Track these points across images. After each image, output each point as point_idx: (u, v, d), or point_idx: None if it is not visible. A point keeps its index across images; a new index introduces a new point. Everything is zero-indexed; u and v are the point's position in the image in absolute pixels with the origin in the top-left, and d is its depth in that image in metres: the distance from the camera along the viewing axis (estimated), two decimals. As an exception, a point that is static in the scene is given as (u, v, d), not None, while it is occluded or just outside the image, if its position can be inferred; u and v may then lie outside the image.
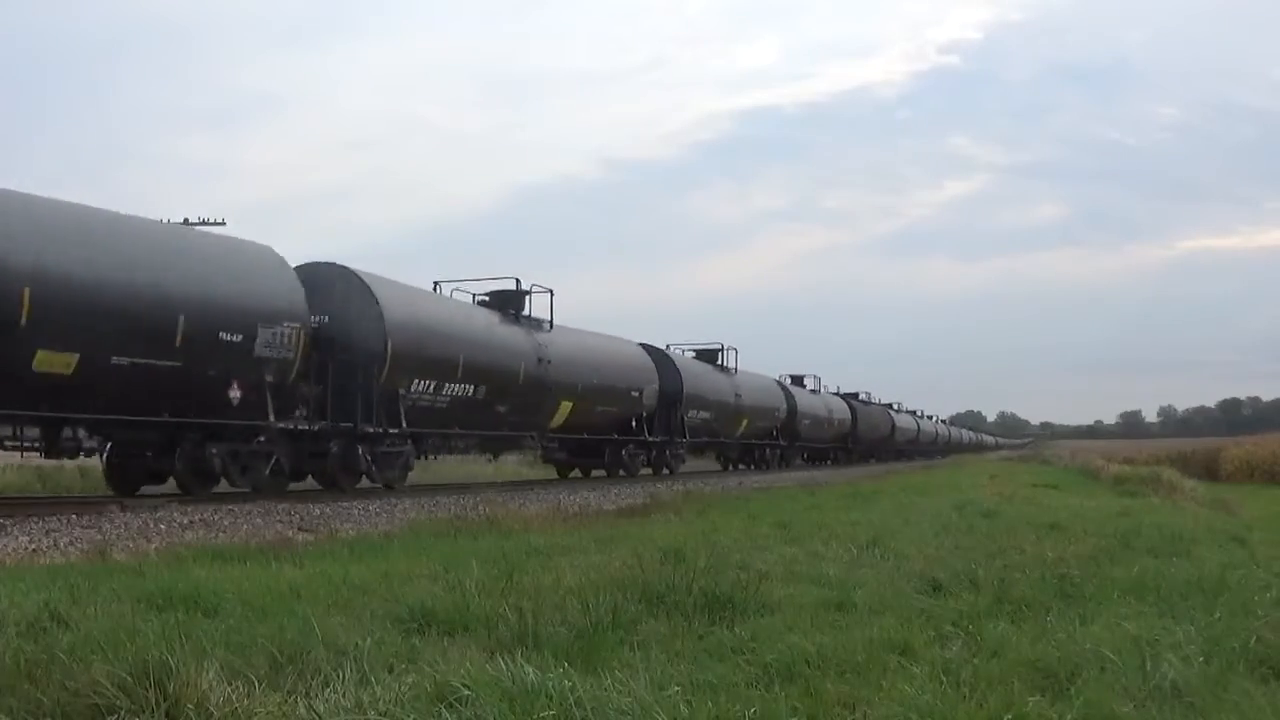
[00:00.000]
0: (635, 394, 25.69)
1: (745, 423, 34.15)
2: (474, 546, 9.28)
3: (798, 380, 44.26)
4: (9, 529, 9.99)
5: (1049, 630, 5.72)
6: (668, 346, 30.70)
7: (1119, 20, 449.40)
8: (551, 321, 22.78)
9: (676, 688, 4.18)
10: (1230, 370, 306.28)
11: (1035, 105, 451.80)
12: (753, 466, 37.40)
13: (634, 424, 26.19)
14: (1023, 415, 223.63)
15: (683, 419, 28.69)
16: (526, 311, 22.04)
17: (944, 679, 4.54)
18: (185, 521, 11.49)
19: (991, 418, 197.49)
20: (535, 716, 3.77)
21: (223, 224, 15.99)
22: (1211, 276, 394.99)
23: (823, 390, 47.40)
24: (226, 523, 11.77)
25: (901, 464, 53.63)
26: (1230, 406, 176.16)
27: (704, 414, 30.48)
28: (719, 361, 33.93)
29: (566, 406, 22.31)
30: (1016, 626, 5.82)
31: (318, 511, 13.35)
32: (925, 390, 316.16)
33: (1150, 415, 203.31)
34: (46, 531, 10.13)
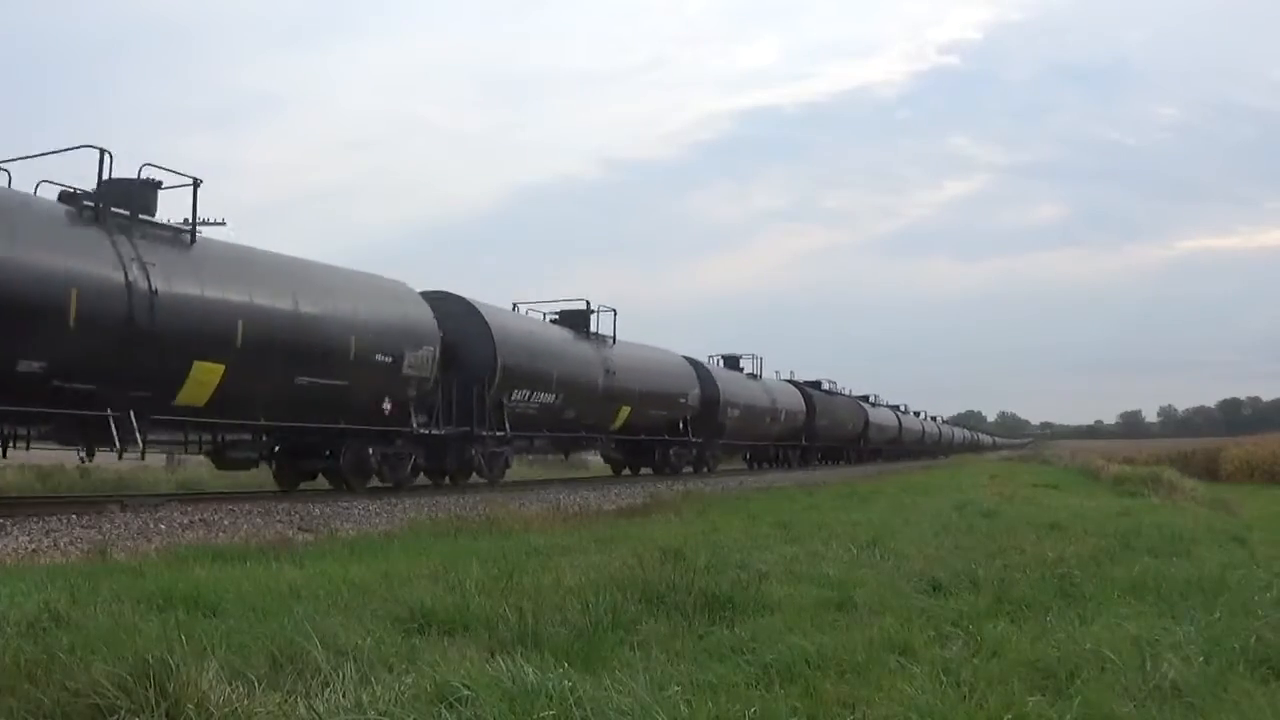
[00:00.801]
0: (387, 360, 16.40)
1: (626, 412, 24.54)
2: (474, 546, 9.28)
3: (731, 362, 34.75)
4: (9, 529, 9.97)
5: (1049, 630, 5.73)
6: (515, 306, 22.59)
7: (1119, 20, 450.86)
8: (194, 232, 13.72)
9: (676, 688, 4.18)
10: (1230, 370, 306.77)
11: (1035, 105, 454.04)
12: (664, 472, 27.62)
13: (389, 409, 16.72)
14: (1023, 415, 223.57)
15: (501, 404, 19.44)
16: (156, 217, 13.33)
17: (944, 679, 4.55)
18: (185, 521, 11.49)
19: (991, 418, 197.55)
20: (535, 716, 3.77)
21: (223, 224, 15.78)
22: (1211, 276, 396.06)
23: (766, 375, 37.03)
24: (226, 523, 11.77)
25: (897, 465, 52.97)
26: (1230, 406, 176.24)
27: (544, 397, 20.87)
28: (588, 328, 23.69)
29: (211, 372, 13.23)
30: (1016, 626, 5.82)
31: (318, 511, 13.36)
32: (925, 390, 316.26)
33: (1150, 415, 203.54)
34: (46, 531, 10.11)
